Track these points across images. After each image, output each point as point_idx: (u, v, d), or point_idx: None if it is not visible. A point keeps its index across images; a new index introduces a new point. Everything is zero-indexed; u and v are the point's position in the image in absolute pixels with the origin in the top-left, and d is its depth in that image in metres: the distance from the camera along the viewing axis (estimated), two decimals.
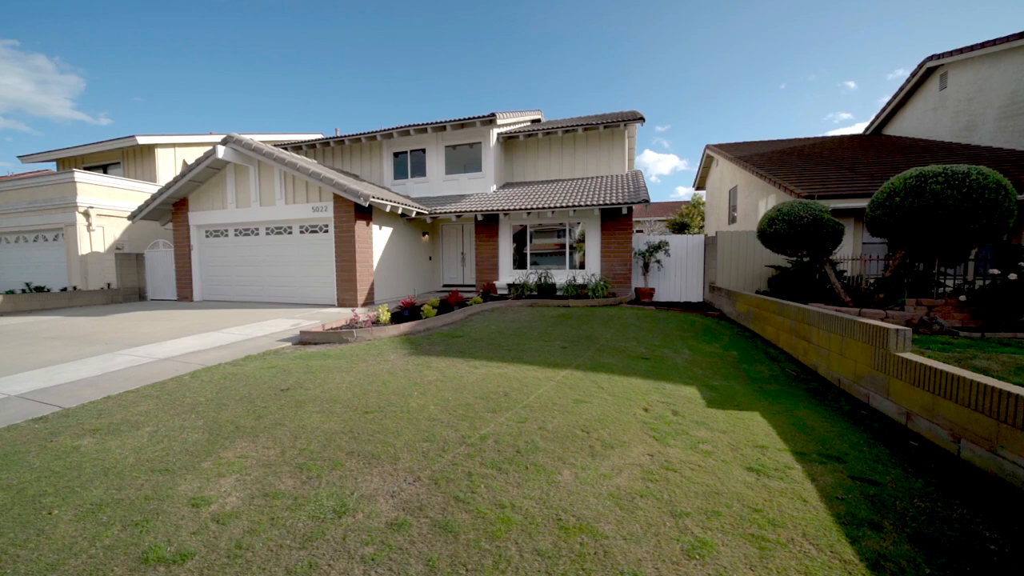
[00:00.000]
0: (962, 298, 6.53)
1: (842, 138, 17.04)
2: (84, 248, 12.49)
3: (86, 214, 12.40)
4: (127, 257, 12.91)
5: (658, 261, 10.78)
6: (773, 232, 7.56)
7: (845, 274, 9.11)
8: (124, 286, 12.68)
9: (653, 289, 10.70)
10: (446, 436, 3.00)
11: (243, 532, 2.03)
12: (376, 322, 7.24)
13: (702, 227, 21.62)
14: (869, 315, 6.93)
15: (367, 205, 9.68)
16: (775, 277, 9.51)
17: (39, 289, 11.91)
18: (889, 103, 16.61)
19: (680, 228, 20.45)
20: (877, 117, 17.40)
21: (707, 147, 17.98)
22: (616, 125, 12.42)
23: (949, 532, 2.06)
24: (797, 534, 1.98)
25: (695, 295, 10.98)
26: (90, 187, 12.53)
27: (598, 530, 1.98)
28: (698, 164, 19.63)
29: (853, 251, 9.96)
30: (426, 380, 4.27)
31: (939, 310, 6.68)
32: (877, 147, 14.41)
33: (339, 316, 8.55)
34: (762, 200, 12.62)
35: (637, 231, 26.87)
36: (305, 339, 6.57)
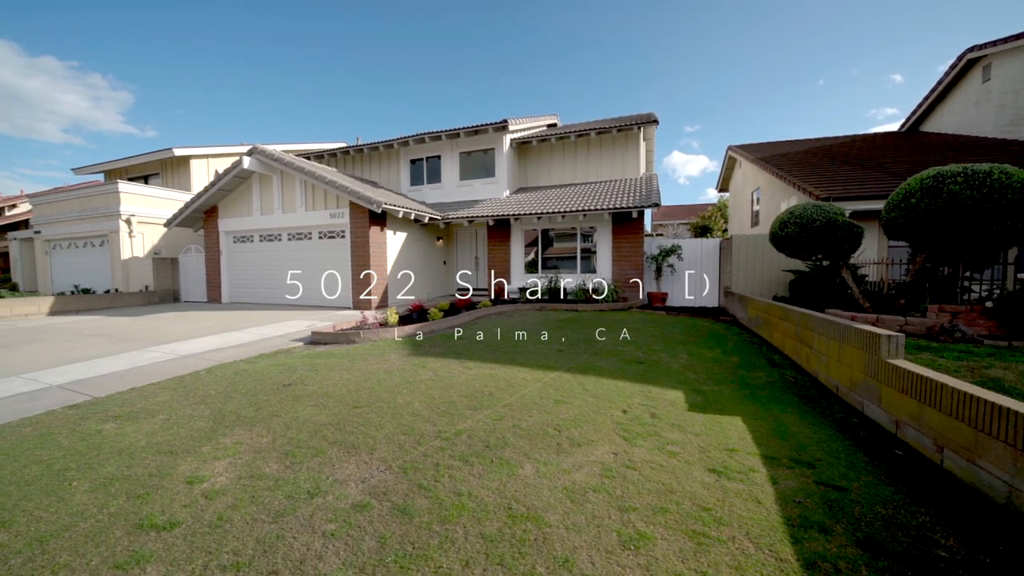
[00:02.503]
0: (988, 304, 6.21)
1: (874, 136, 16.36)
2: (126, 253, 13.55)
3: (128, 222, 13.46)
4: (163, 261, 13.90)
5: (670, 265, 10.68)
6: (785, 235, 7.41)
7: (867, 279, 8.78)
8: (160, 288, 13.66)
9: (666, 294, 10.61)
10: (424, 430, 3.20)
11: (226, 507, 2.29)
12: (384, 324, 7.56)
13: (725, 230, 21.10)
14: (887, 322, 6.68)
15: (380, 211, 10.10)
16: (794, 282, 9.28)
17: (85, 291, 13.01)
18: (927, 98, 15.82)
19: (702, 231, 20.04)
20: (914, 113, 16.61)
21: (729, 148, 17.62)
22: (629, 128, 12.42)
23: (902, 538, 2.07)
24: (740, 533, 2.04)
25: (711, 300, 10.79)
26: (132, 196, 13.60)
27: (544, 519, 2.12)
28: (721, 165, 19.23)
29: (878, 254, 9.57)
30: (418, 379, 4.50)
31: (963, 317, 6.36)
32: (911, 145, 13.76)
33: (352, 318, 8.94)
34: (784, 202, 12.30)
35: (657, 234, 26.42)
36: (316, 339, 6.95)
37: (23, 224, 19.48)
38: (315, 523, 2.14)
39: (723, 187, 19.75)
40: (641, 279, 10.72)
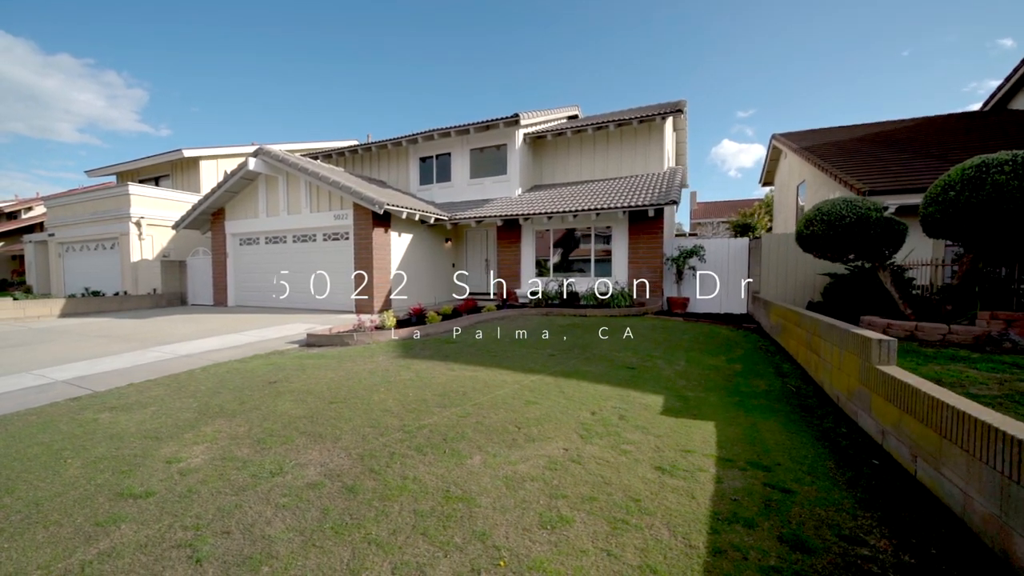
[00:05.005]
0: None
1: (946, 118, 15.71)
2: (135, 255, 14.89)
3: (138, 224, 14.82)
4: (171, 264, 15.16)
5: (692, 268, 10.76)
6: (810, 234, 7.45)
7: (915, 282, 8.61)
8: (168, 291, 14.90)
9: (687, 299, 10.69)
10: (389, 424, 3.63)
11: (197, 482, 2.79)
12: (380, 327, 8.13)
13: (770, 228, 20.70)
14: (927, 330, 6.63)
15: (383, 212, 10.75)
16: (830, 286, 9.21)
17: (95, 294, 14.40)
18: (1017, 70, 15.10)
19: (743, 230, 19.73)
20: (999, 89, 15.84)
21: (773, 137, 17.39)
22: (652, 119, 12.61)
23: (831, 537, 2.29)
24: (660, 522, 2.33)
25: (738, 306, 10.78)
26: (142, 199, 14.97)
27: (475, 501, 2.49)
28: (765, 156, 18.97)
29: (933, 254, 9.34)
30: (399, 379, 4.96)
31: (1020, 326, 6.23)
32: (990, 127, 13.24)
33: (352, 321, 9.57)
34: (831, 196, 12.12)
35: (691, 234, 26.11)
36: (311, 341, 7.59)
37: (38, 227, 21.60)
38: (271, 497, 2.59)
39: (767, 180, 19.46)
40: (660, 283, 10.85)
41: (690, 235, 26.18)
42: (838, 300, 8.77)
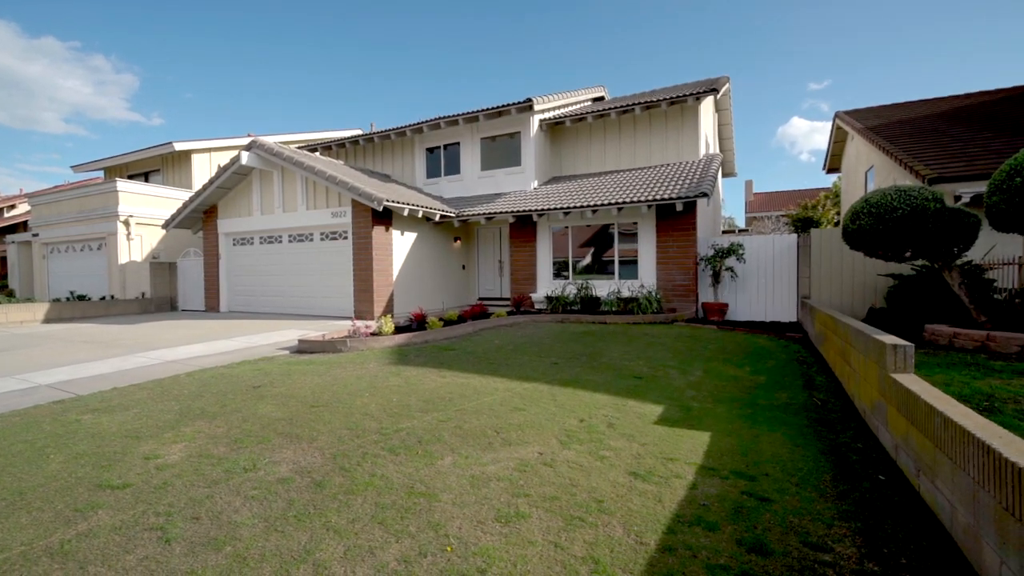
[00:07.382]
0: None
1: None
2: (124, 257, 16.07)
3: (126, 223, 16.01)
4: (160, 266, 16.29)
5: (729, 269, 10.88)
6: (857, 229, 7.54)
7: (996, 284, 8.51)
8: (157, 295, 16.01)
9: (725, 305, 10.80)
10: (367, 427, 4.09)
11: (172, 476, 3.30)
12: (376, 333, 8.68)
13: (837, 222, 20.36)
14: (1000, 340, 6.65)
15: (382, 209, 11.36)
16: (893, 289, 9.20)
17: (81, 298, 15.62)
18: None
19: (804, 224, 19.45)
20: None
21: (837, 115, 17.25)
22: (683, 100, 12.81)
23: (794, 543, 2.57)
24: (617, 521, 2.67)
25: (786, 313, 10.81)
26: (130, 196, 16.17)
27: (437, 497, 2.89)
28: (828, 138, 18.77)
29: None
30: (386, 385, 5.44)
31: None
32: None
33: (347, 328, 10.17)
34: (902, 184, 12.02)
35: (741, 230, 25.82)
36: (302, 348, 8.21)
37: (22, 226, 23.42)
38: (241, 489, 3.07)
39: (832, 166, 19.23)
40: (693, 286, 11.01)
41: (741, 231, 25.93)
42: (903, 306, 8.75)
